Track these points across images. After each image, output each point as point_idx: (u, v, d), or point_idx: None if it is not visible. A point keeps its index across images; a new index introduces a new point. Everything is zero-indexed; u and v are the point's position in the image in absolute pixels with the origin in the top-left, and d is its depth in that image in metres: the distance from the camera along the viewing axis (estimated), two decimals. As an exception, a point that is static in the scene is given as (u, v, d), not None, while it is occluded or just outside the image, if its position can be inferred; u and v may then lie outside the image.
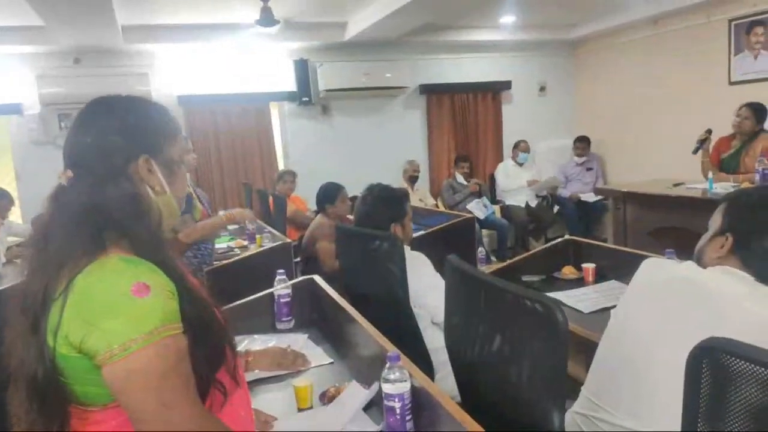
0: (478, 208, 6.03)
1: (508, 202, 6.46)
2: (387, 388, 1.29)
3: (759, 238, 1.29)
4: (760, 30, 5.18)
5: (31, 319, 1.00)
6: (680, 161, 4.86)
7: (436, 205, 6.25)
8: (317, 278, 2.28)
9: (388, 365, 1.30)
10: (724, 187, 3.82)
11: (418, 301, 2.07)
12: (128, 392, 0.95)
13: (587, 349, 1.87)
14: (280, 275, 2.23)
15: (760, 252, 1.28)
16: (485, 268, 3.28)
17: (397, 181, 6.10)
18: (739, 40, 5.35)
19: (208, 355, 1.05)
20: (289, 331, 2.16)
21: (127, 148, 1.08)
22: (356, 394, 1.51)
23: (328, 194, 3.83)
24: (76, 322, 0.95)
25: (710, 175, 4.01)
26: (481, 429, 1.07)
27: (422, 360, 1.98)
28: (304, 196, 5.53)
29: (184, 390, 0.98)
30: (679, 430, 0.91)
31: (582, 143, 6.66)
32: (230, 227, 4.80)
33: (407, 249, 2.12)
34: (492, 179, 6.78)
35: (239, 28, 5.45)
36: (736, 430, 0.80)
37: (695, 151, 4.35)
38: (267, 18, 4.50)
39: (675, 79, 5.96)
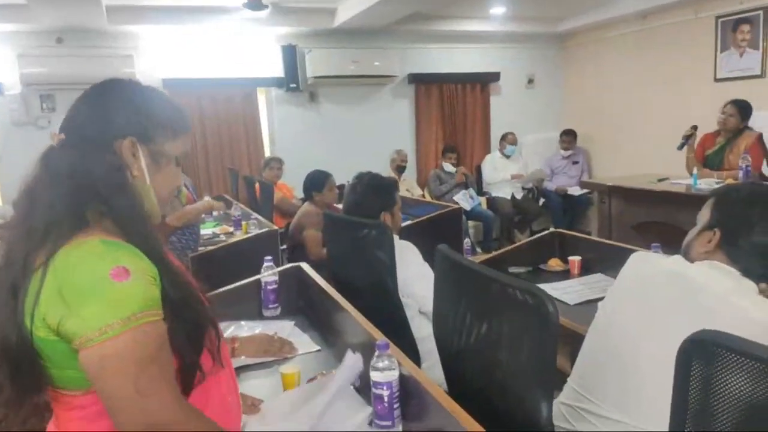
0: (464, 200, 6.05)
1: (494, 194, 6.48)
2: (375, 376, 1.29)
3: (746, 234, 1.30)
4: (746, 28, 5.23)
5: (10, 280, 0.98)
6: (665, 156, 4.91)
7: (423, 195, 6.26)
8: (304, 266, 2.27)
9: (377, 353, 1.30)
10: (707, 183, 3.87)
11: (406, 290, 2.07)
12: (104, 378, 0.94)
13: (572, 341, 1.88)
14: (268, 262, 2.22)
15: (747, 247, 1.29)
16: (474, 259, 3.28)
17: (385, 171, 6.08)
18: (726, 38, 5.39)
19: (190, 336, 1.04)
20: (276, 318, 2.16)
21: (120, 125, 1.07)
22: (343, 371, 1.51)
23: (316, 182, 3.81)
24: (53, 304, 0.93)
25: (695, 171, 4.05)
26: (469, 416, 1.07)
27: (409, 349, 1.98)
28: (291, 184, 5.50)
29: (161, 378, 0.96)
30: (666, 422, 0.92)
31: (568, 136, 6.70)
32: (215, 213, 4.77)
33: (396, 238, 2.11)
34: (479, 171, 6.80)
35: (227, 11, 5.38)
36: (725, 422, 0.81)
37: (680, 147, 4.39)
38: (255, 1, 4.45)
39: (662, 75, 6.00)
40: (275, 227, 3.52)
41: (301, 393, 1.50)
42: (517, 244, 3.08)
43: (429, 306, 1.70)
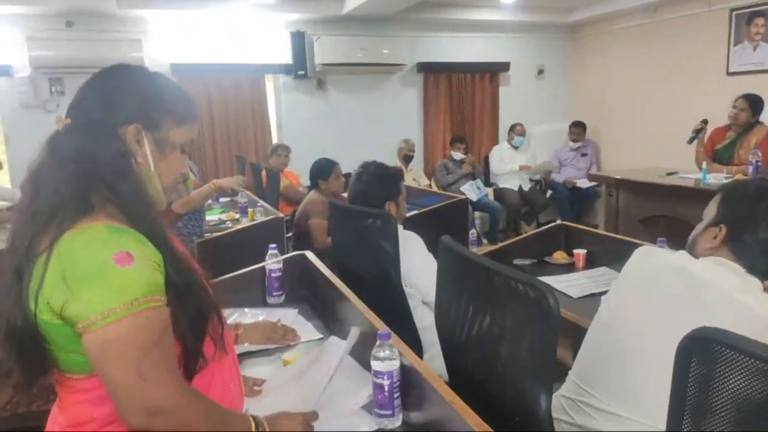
0: (471, 190, 6.03)
1: (501, 185, 6.46)
2: (376, 365, 1.29)
3: (752, 230, 1.29)
4: (760, 21, 5.16)
5: (15, 264, 0.99)
6: (675, 150, 4.87)
7: (430, 185, 6.24)
8: (309, 254, 2.28)
9: (378, 343, 1.31)
10: (717, 177, 3.84)
11: (410, 280, 2.07)
12: (106, 362, 0.94)
13: (575, 334, 1.89)
14: (272, 249, 2.22)
15: (753, 244, 1.29)
16: (476, 251, 3.29)
17: (392, 160, 6.07)
18: (739, 31, 5.32)
19: (193, 322, 1.05)
20: (280, 305, 2.16)
21: (126, 111, 1.07)
22: (338, 344, 1.52)
23: (322, 170, 3.80)
24: (57, 288, 0.94)
25: (704, 165, 4.02)
26: (468, 408, 1.07)
27: (411, 339, 1.99)
28: (297, 171, 5.49)
29: (163, 363, 0.97)
30: (665, 417, 0.91)
31: (578, 128, 6.65)
32: (222, 199, 4.79)
33: (400, 228, 2.11)
34: (486, 162, 6.77)
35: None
36: (723, 419, 0.81)
37: (690, 141, 4.35)
38: (265, -13, 4.42)
39: (673, 68, 5.94)
40: (281, 215, 3.52)
41: (302, 366, 1.52)
42: (522, 236, 3.08)
43: (432, 296, 1.69)
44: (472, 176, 6.23)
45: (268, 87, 6.30)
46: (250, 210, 3.98)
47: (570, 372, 1.48)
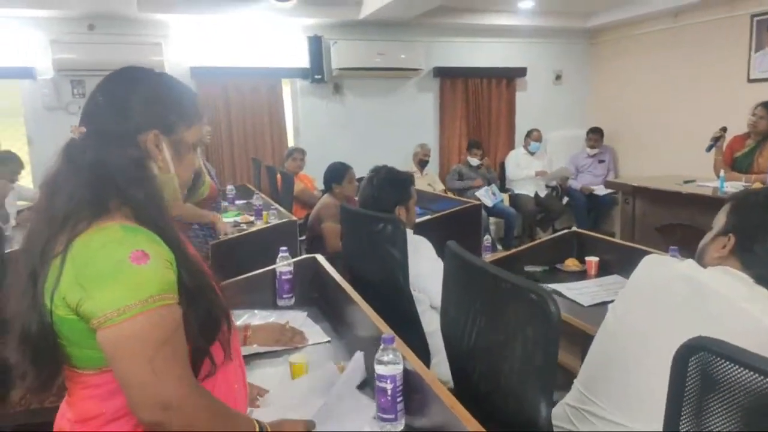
0: (486, 196, 6.01)
1: (516, 191, 6.42)
2: (380, 369, 1.30)
3: (762, 240, 1.28)
4: (783, 27, 5.09)
5: (29, 269, 1.02)
6: (694, 158, 4.81)
7: (445, 191, 6.23)
8: (319, 257, 2.29)
9: (382, 347, 1.31)
10: (735, 186, 3.79)
11: (418, 284, 2.07)
12: (119, 358, 0.97)
13: (584, 342, 1.87)
14: (283, 252, 2.24)
15: (762, 254, 1.27)
16: (490, 257, 3.27)
17: (407, 164, 6.08)
18: (761, 37, 5.25)
19: (203, 324, 1.06)
20: (290, 308, 2.18)
21: (142, 118, 1.09)
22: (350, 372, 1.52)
23: (336, 174, 3.82)
24: (74, 285, 0.96)
25: (722, 173, 3.96)
26: (469, 414, 1.07)
27: (419, 344, 1.99)
28: (313, 175, 5.53)
29: (175, 360, 0.99)
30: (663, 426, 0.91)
31: (595, 135, 6.60)
32: (237, 202, 4.85)
33: (410, 232, 2.12)
34: (502, 167, 6.74)
35: (254, 2, 5.41)
36: (719, 428, 0.80)
37: (709, 149, 4.30)
38: (283, -8, 4.47)
39: (692, 74, 5.87)
40: (294, 218, 3.55)
41: (307, 384, 1.52)
42: (535, 242, 3.06)
43: (440, 301, 1.70)
44: (488, 182, 6.21)
45: (285, 91, 6.35)
46: (264, 213, 4.02)
47: (575, 380, 1.47)
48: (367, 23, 5.99)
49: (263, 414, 1.37)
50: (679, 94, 6.03)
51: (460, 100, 6.77)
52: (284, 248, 2.26)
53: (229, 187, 5.05)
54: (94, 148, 1.05)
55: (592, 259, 2.65)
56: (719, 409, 0.79)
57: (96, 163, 1.04)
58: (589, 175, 6.58)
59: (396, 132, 6.50)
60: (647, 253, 1.83)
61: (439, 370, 1.88)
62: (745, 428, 0.77)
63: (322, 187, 4.35)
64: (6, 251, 2.23)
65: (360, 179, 4.14)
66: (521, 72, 6.92)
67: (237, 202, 4.85)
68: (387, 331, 1.46)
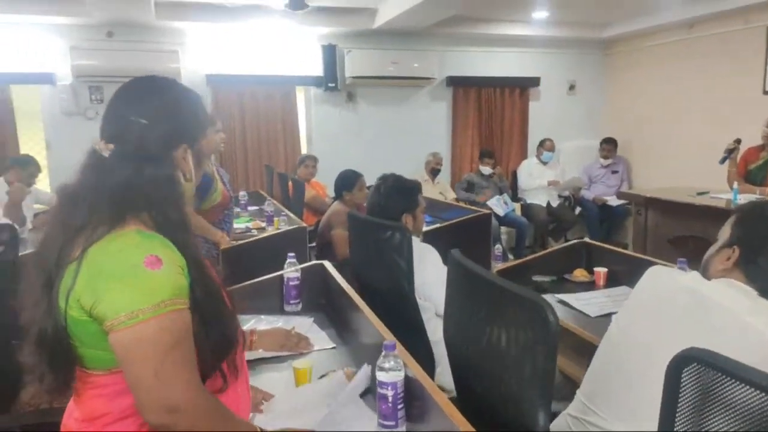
0: (498, 205, 6.00)
1: (529, 201, 6.40)
2: (381, 376, 1.31)
3: (766, 253, 1.27)
4: (799, 39, 5.04)
5: (44, 276, 1.04)
6: (707, 169, 4.77)
7: (456, 199, 6.23)
8: (327, 263, 2.31)
9: (383, 354, 1.32)
10: (748, 198, 3.74)
11: (424, 292, 2.08)
12: (130, 360, 0.99)
13: (591, 353, 1.86)
14: (291, 258, 2.26)
15: (766, 267, 1.26)
16: (500, 266, 3.27)
17: (419, 173, 6.09)
18: (777, 49, 5.21)
19: (215, 342, 1.08)
20: (296, 314, 2.19)
21: (174, 135, 1.13)
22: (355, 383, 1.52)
23: (346, 181, 3.84)
24: (88, 287, 0.99)
25: (735, 185, 3.93)
26: (467, 423, 1.08)
27: (424, 352, 1.99)
28: (325, 182, 5.55)
29: (184, 364, 1.01)
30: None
31: (609, 145, 6.56)
32: (250, 208, 4.90)
33: (417, 240, 2.13)
34: (514, 176, 6.73)
35: (269, 11, 5.48)
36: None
37: (722, 161, 4.26)
38: (297, 1, 4.52)
39: (707, 85, 5.83)
40: (304, 224, 3.57)
41: (312, 392, 1.53)
42: (543, 252, 3.05)
43: (445, 310, 1.70)
44: (500, 191, 6.20)
45: (299, 98, 6.41)
46: (275, 219, 4.05)
47: (578, 391, 1.47)
48: (381, 32, 6.04)
49: (266, 420, 1.39)
50: (694, 106, 5.99)
51: (472, 109, 6.78)
52: (292, 254, 2.28)
53: (242, 193, 5.10)
54: (128, 167, 1.06)
55: (601, 270, 2.64)
56: (712, 421, 0.79)
57: (127, 182, 1.05)
58: (602, 185, 6.54)
59: (408, 140, 6.52)
60: (655, 264, 1.82)
61: (444, 378, 1.89)
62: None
63: (333, 194, 4.37)
64: (21, 254, 2.27)
65: (370, 187, 4.16)
66: (535, 82, 6.92)
67: (249, 208, 4.91)
68: (390, 338, 1.47)
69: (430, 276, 2.08)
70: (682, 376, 0.82)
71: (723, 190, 4.19)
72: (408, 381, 1.32)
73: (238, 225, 4.15)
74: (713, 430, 0.79)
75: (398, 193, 2.29)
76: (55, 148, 5.62)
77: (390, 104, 6.57)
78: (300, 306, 2.23)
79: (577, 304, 2.36)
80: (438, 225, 3.87)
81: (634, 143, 6.79)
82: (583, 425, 1.38)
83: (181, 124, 1.14)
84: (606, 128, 7.02)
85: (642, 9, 5.86)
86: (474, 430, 1.07)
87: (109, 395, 1.06)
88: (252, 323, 2.05)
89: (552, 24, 6.41)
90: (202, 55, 5.90)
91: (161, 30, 5.68)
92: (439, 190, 6.12)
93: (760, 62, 5.32)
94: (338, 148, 6.23)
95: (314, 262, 2.37)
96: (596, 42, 6.95)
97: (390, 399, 1.31)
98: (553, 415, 1.53)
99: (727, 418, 0.77)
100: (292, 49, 6.15)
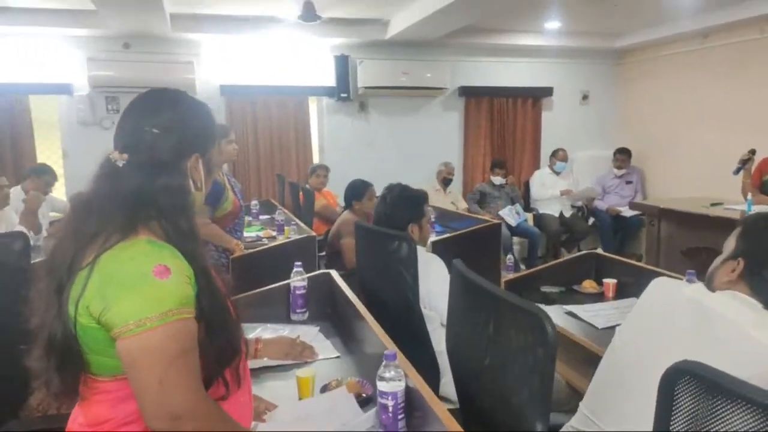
0: (509, 215, 5.97)
1: (541, 211, 6.36)
2: (381, 386, 1.31)
3: (771, 265, 1.26)
4: (816, 49, 4.98)
5: (56, 282, 1.06)
6: (722, 180, 4.72)
7: (468, 209, 6.22)
8: (333, 273, 2.32)
9: (384, 363, 1.32)
10: (763, 209, 3.70)
11: (429, 302, 2.08)
12: (137, 367, 1.01)
13: (598, 365, 1.85)
14: (297, 267, 2.28)
15: (771, 279, 1.25)
16: (510, 276, 3.26)
17: (431, 182, 6.09)
18: (793, 59, 5.15)
19: (219, 350, 1.10)
20: (303, 322, 2.20)
21: (186, 145, 1.15)
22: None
23: (356, 191, 3.86)
24: (98, 295, 1.00)
25: (749, 196, 3.88)
26: (464, 433, 1.08)
27: (429, 362, 1.98)
28: (337, 192, 5.57)
29: (188, 373, 1.02)
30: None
31: (623, 155, 6.51)
32: (261, 217, 4.93)
33: (422, 250, 2.13)
34: (527, 186, 6.70)
35: (282, 22, 5.54)
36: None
37: (736, 172, 4.22)
38: (309, 13, 4.57)
39: (722, 95, 5.78)
40: (313, 234, 3.59)
41: (315, 405, 1.53)
42: (552, 263, 3.03)
43: (450, 320, 1.70)
44: (512, 201, 6.18)
45: (312, 108, 6.45)
46: (286, 228, 4.07)
47: (581, 403, 1.46)
48: (393, 43, 6.07)
49: (268, 430, 1.40)
50: (708, 116, 5.94)
51: (484, 119, 6.78)
52: (299, 263, 2.29)
53: (254, 202, 5.14)
54: (141, 176, 1.09)
55: (610, 281, 2.62)
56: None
57: (140, 191, 1.08)
58: (616, 196, 6.49)
59: (420, 150, 6.53)
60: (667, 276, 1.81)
61: (448, 389, 1.87)
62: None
63: (344, 203, 4.39)
64: (34, 261, 2.31)
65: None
66: (547, 92, 6.91)
67: (261, 217, 4.94)
68: (392, 348, 1.47)
69: (435, 286, 2.08)
70: (676, 388, 0.81)
71: (738, 201, 4.14)
72: (409, 391, 1.32)
73: (248, 234, 4.18)
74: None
75: (404, 203, 2.30)
76: (72, 157, 5.71)
77: (402, 114, 6.59)
78: (306, 315, 2.24)
79: (585, 315, 2.34)
80: (448, 234, 3.86)
81: (649, 153, 6.73)
82: (585, 437, 1.36)
83: (192, 134, 1.16)
84: (620, 138, 6.98)
85: (655, 19, 5.83)
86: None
87: (113, 401, 1.08)
88: (258, 331, 2.07)
89: (564, 34, 6.40)
90: (216, 66, 5.98)
91: (177, 41, 5.76)
92: (450, 199, 6.12)
93: (775, 72, 5.27)
94: (350, 157, 6.25)
95: (321, 271, 2.38)
96: (609, 52, 6.92)
97: (390, 409, 1.31)
98: (558, 427, 1.52)
99: (718, 428, 0.76)
100: (304, 60, 6.20)
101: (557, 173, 6.41)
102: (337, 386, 1.61)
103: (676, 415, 0.82)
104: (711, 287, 1.35)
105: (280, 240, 3.90)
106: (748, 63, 5.50)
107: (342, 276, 2.32)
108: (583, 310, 2.40)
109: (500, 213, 5.96)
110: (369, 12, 5.59)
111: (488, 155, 6.78)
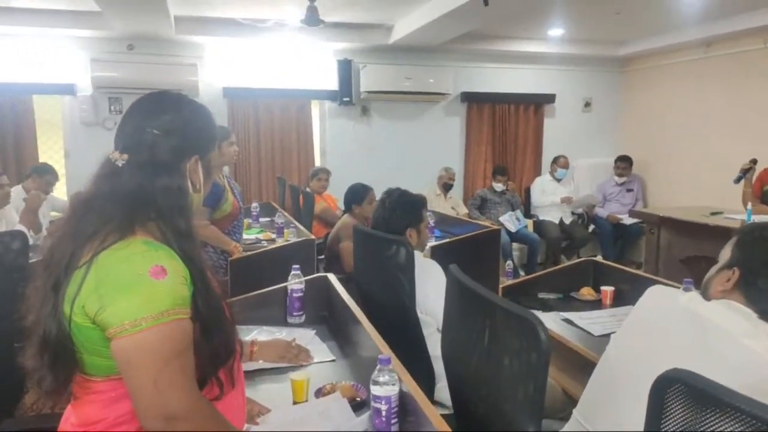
0: (510, 221, 5.98)
1: (541, 217, 6.36)
2: (375, 390, 1.31)
3: (766, 275, 1.25)
4: (818, 59, 4.98)
5: (53, 280, 1.07)
6: (724, 189, 4.72)
7: (468, 215, 6.22)
8: (331, 276, 2.32)
9: (378, 367, 1.33)
10: (762, 219, 3.69)
11: (426, 307, 2.08)
12: (132, 367, 1.01)
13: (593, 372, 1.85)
14: (295, 270, 2.27)
15: (766, 289, 1.25)
16: (508, 282, 3.26)
17: (431, 187, 6.10)
18: (796, 69, 5.16)
19: (213, 351, 1.11)
20: (299, 325, 2.20)
21: (186, 147, 1.16)
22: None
23: (356, 195, 3.86)
24: (94, 295, 1.01)
25: (749, 206, 3.88)
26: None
27: (424, 367, 1.99)
28: (338, 195, 5.58)
29: (183, 373, 1.03)
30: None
31: (624, 163, 6.51)
32: (261, 219, 4.93)
33: (420, 255, 2.13)
34: (528, 193, 6.70)
35: (286, 26, 5.55)
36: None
37: (737, 181, 4.22)
38: (312, 17, 4.58)
39: (724, 105, 5.78)
40: (312, 237, 3.59)
41: (308, 409, 1.53)
42: (550, 269, 3.03)
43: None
44: (512, 207, 6.18)
45: (314, 112, 6.46)
46: (285, 231, 4.08)
47: (574, 410, 1.45)
48: (396, 48, 6.09)
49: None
50: (710, 125, 5.94)
51: (486, 125, 6.79)
52: (296, 266, 2.29)
53: (254, 204, 5.14)
54: (141, 177, 1.10)
55: (608, 289, 2.62)
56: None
57: (139, 191, 1.09)
58: (616, 203, 6.49)
59: (421, 155, 6.54)
60: (664, 284, 1.81)
61: (443, 394, 1.87)
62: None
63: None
64: (32, 260, 2.31)
65: (380, 201, 4.17)
66: (550, 98, 6.92)
67: (261, 219, 4.94)
68: (387, 353, 1.47)
69: (433, 291, 2.07)
70: (666, 396, 0.81)
71: (739, 211, 4.14)
72: (402, 395, 1.32)
73: (248, 236, 4.18)
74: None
75: (403, 208, 2.30)
76: (74, 157, 5.73)
77: (404, 119, 6.60)
78: (303, 318, 2.23)
79: (581, 322, 2.34)
80: (448, 240, 3.86)
81: (650, 161, 6.73)
82: (578, 445, 1.36)
83: (192, 137, 1.17)
84: (621, 146, 6.98)
85: (659, 28, 5.84)
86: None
87: (106, 401, 1.08)
88: (254, 334, 2.06)
89: (567, 41, 6.42)
90: (219, 68, 6.00)
91: (180, 44, 5.78)
92: (451, 205, 6.12)
93: (777, 82, 5.27)
94: (352, 161, 6.26)
95: (319, 274, 2.38)
96: (612, 60, 6.93)
97: (384, 413, 1.31)
98: (552, 434, 1.52)
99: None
100: (307, 64, 6.22)
101: (558, 180, 6.41)
102: (332, 390, 1.61)
103: (666, 423, 0.82)
104: (706, 296, 1.35)
105: (279, 243, 3.90)
106: (750, 73, 5.51)
107: (341, 280, 2.32)
108: (580, 318, 2.40)
109: (500, 219, 5.97)
110: (372, 17, 5.61)
111: (489, 161, 6.79)
